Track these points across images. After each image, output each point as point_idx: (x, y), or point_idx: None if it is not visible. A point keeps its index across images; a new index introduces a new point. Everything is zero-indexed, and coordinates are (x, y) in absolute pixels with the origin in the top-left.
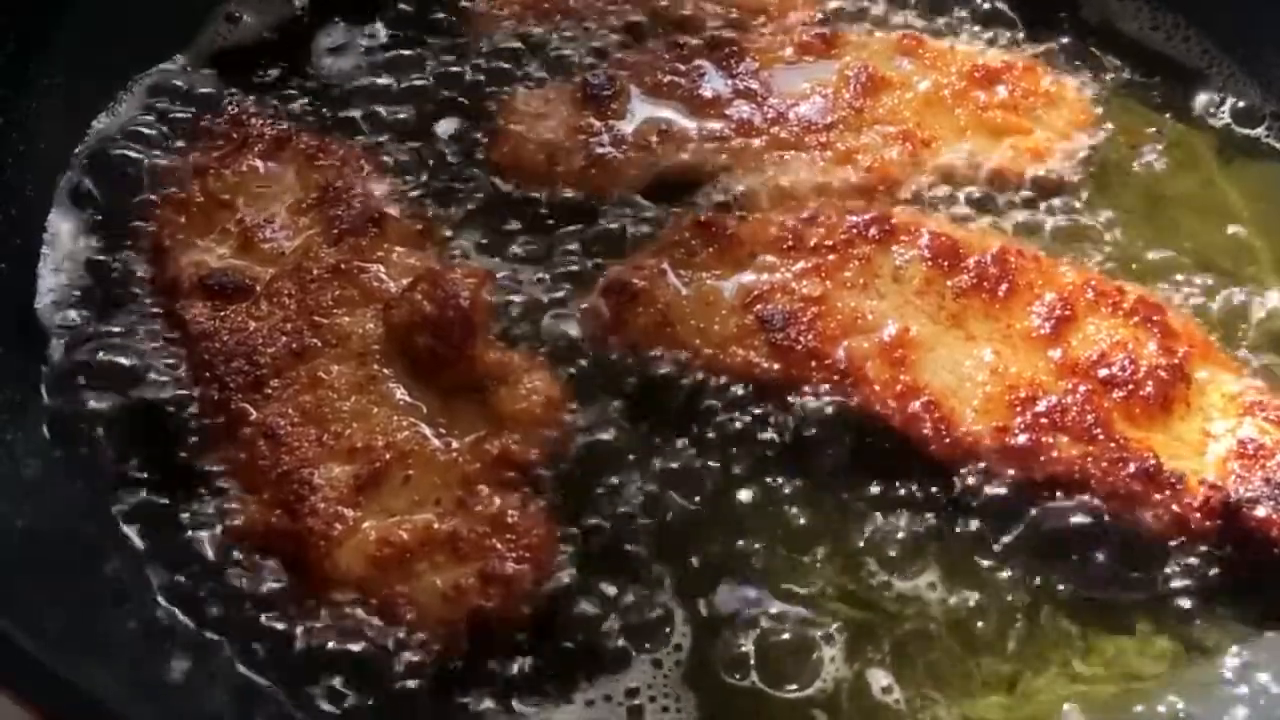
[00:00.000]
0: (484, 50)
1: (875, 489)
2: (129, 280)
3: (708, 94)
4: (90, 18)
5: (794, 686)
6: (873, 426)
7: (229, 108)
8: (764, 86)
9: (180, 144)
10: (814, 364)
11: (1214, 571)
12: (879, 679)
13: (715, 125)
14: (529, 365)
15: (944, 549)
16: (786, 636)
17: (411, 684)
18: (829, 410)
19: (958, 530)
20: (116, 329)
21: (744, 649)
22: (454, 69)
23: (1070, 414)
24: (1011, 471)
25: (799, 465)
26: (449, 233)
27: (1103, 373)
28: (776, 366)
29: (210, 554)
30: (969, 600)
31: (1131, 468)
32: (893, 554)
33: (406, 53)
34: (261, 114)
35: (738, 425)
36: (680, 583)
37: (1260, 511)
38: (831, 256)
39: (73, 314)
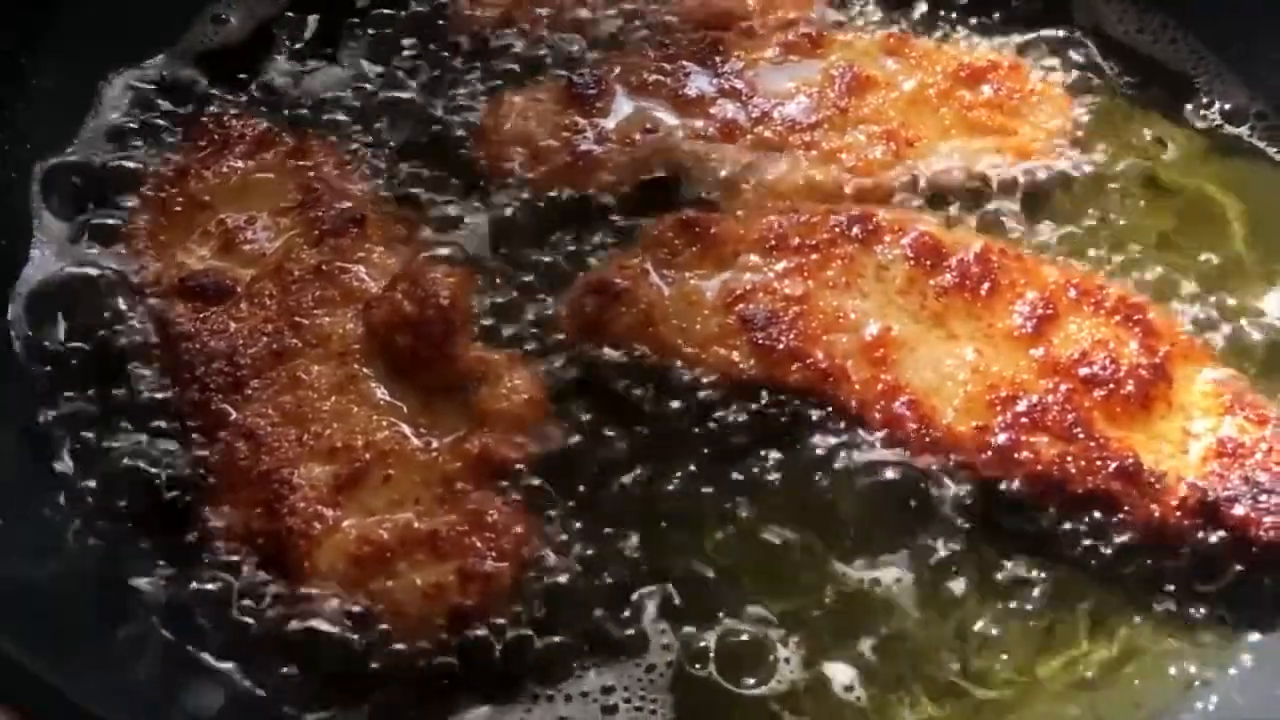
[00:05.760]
0: (469, 48)
1: (851, 487)
2: (113, 281)
3: (693, 93)
4: (78, 18)
5: (754, 682)
6: (850, 424)
7: (212, 108)
8: (749, 86)
9: (164, 144)
10: (795, 363)
11: (1191, 571)
12: (841, 677)
13: (700, 124)
14: (509, 364)
15: (917, 548)
16: (751, 636)
17: (390, 681)
18: (808, 409)
19: (931, 529)
20: (101, 330)
21: (711, 646)
22: (439, 68)
23: (1051, 413)
24: (990, 471)
25: (774, 461)
26: (430, 232)
27: (1084, 372)
28: (758, 366)
29: (189, 554)
30: (939, 599)
31: (1111, 467)
32: (866, 552)
33: (391, 52)
34: (244, 115)
35: (719, 423)
36: (659, 581)
37: (1239, 510)
38: (814, 256)
39: (58, 316)
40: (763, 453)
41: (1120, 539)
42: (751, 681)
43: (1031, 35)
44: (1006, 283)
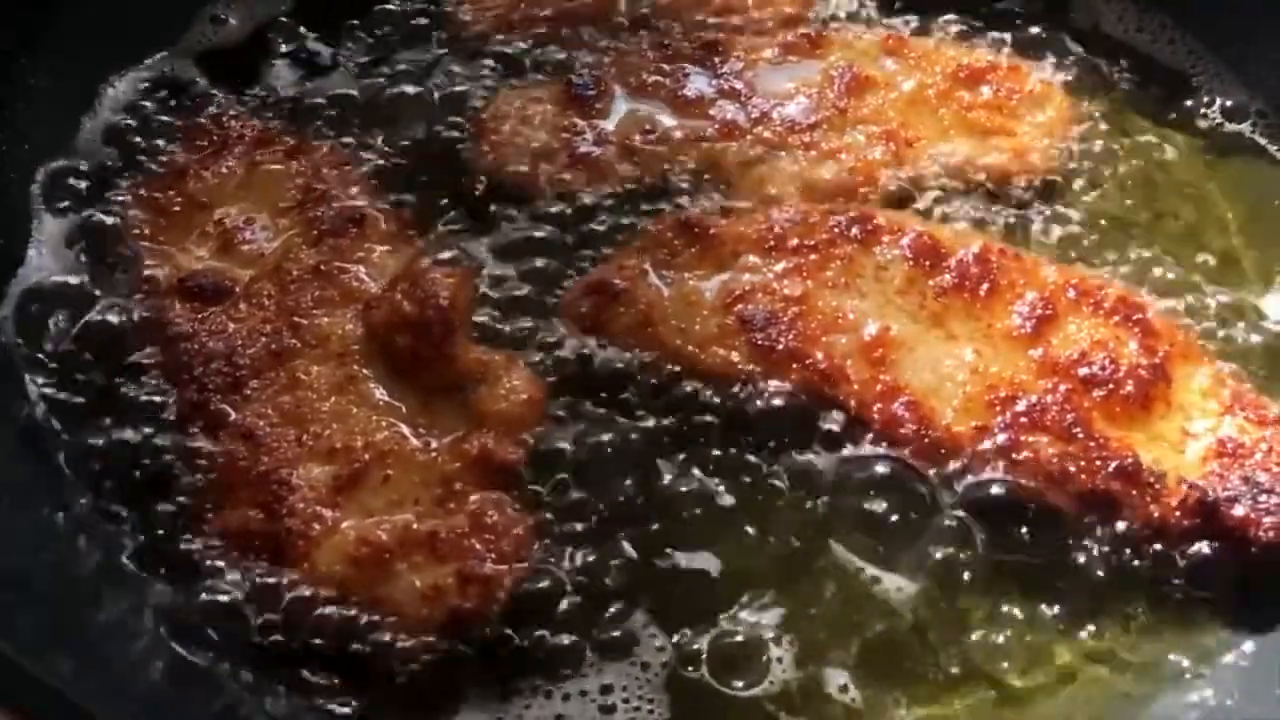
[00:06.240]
0: (468, 50)
1: (849, 487)
2: (111, 282)
3: (692, 94)
4: (77, 18)
5: (748, 684)
6: (848, 424)
7: (211, 109)
8: (748, 86)
9: (163, 145)
10: (794, 364)
11: (1190, 571)
12: (836, 678)
13: (699, 125)
14: (509, 365)
15: (913, 548)
16: (747, 637)
17: (389, 683)
18: (807, 410)
19: (928, 529)
20: (99, 331)
21: (704, 648)
22: (438, 69)
23: (1050, 413)
24: (990, 471)
25: (772, 462)
26: (429, 233)
27: (1083, 372)
28: (757, 366)
29: (188, 554)
30: (934, 599)
31: (1111, 467)
32: (863, 552)
33: (390, 53)
34: (243, 115)
35: (717, 424)
36: (655, 581)
37: (1238, 510)
38: (813, 256)
39: (56, 316)
40: (761, 453)
41: (1119, 539)
42: (745, 683)
43: (1030, 35)
44: (1005, 283)
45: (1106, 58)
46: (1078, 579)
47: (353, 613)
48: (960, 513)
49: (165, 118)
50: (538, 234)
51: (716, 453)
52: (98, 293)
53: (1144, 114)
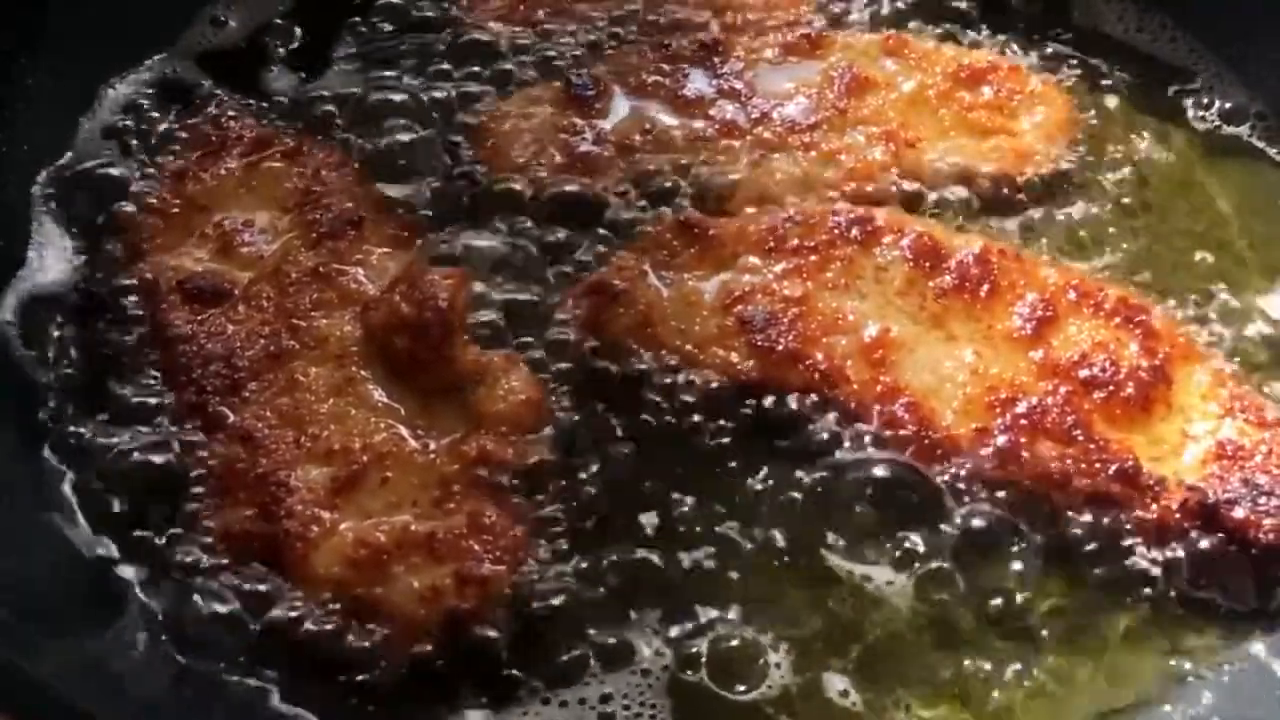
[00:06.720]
0: (468, 51)
1: (849, 489)
2: (109, 284)
3: (692, 94)
4: (76, 19)
5: (747, 688)
6: (848, 425)
7: (211, 110)
8: (748, 87)
9: (162, 146)
10: (794, 364)
11: (1189, 572)
12: (837, 682)
13: (699, 125)
14: (507, 366)
15: (913, 550)
16: (747, 641)
17: (386, 685)
18: (807, 411)
19: (928, 531)
20: (97, 333)
21: (703, 652)
22: (437, 70)
23: (1050, 415)
24: (989, 473)
25: (772, 464)
26: (428, 234)
27: (1083, 374)
28: (757, 367)
29: (186, 556)
30: (934, 602)
31: (1111, 469)
32: (863, 555)
33: (389, 54)
34: (242, 116)
35: (716, 425)
36: (654, 584)
37: (1238, 512)
38: (813, 257)
39: (55, 318)
40: (760, 455)
41: (1119, 540)
42: (744, 687)
43: (1031, 36)
44: (1006, 284)
45: (1106, 58)
46: (1077, 581)
47: (350, 615)
48: (960, 514)
49: (165, 119)
50: (536, 235)
51: (717, 455)
52: (97, 294)
53: (1144, 114)
